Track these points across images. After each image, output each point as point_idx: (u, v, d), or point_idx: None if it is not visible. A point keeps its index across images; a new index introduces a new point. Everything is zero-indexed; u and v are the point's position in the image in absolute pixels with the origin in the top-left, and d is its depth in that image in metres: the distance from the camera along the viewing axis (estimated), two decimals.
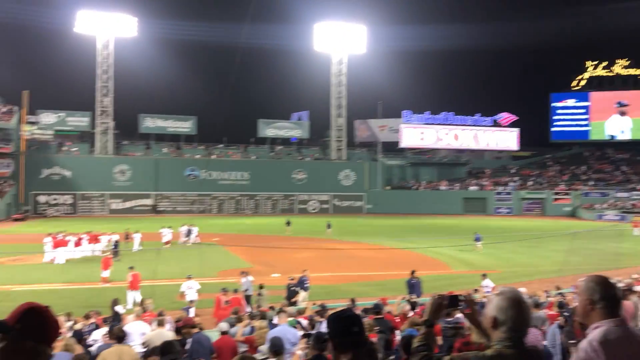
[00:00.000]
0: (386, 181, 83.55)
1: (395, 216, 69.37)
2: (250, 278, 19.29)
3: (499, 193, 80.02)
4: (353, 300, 15.22)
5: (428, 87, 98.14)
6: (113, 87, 74.46)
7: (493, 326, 2.87)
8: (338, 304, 16.68)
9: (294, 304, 15.92)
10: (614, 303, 2.89)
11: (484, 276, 20.56)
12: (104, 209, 70.13)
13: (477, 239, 36.61)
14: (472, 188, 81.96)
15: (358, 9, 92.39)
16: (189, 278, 19.14)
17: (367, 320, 9.79)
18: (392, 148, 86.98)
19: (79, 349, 9.18)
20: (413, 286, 18.75)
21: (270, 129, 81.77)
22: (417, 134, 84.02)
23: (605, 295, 2.89)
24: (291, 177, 77.85)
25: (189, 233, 39.00)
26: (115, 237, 33.09)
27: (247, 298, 18.31)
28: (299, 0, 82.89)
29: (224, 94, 77.84)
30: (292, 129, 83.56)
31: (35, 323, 2.43)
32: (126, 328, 9.37)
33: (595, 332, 2.82)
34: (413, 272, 19.26)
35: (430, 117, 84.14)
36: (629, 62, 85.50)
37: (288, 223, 48.96)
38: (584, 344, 2.82)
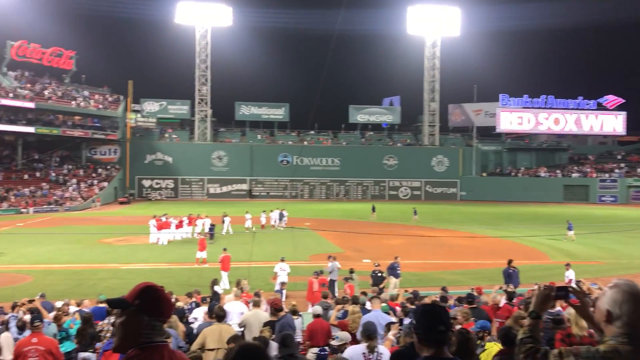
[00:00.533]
0: (481, 167, 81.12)
1: (490, 204, 67.36)
2: (337, 264, 19.41)
3: (603, 180, 75.39)
4: (445, 289, 14.98)
5: (526, 69, 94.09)
6: (210, 76, 77.23)
7: (607, 320, 2.71)
8: (430, 292, 16.53)
9: (381, 290, 15.85)
10: None
11: (568, 266, 19.55)
12: (202, 193, 73.32)
13: (570, 228, 34.78)
14: (573, 175, 77.80)
15: None
16: (282, 260, 19.59)
17: (461, 309, 9.62)
18: (487, 133, 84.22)
19: (181, 327, 9.69)
20: (510, 276, 18.13)
21: (361, 115, 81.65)
22: (514, 118, 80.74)
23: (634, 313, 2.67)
24: (382, 163, 77.49)
25: (281, 217, 39.91)
26: (209, 221, 34.36)
27: (332, 283, 18.47)
28: None
29: (316, 81, 78.59)
30: (383, 114, 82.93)
31: (152, 300, 2.65)
32: (225, 307, 9.76)
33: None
34: (510, 262, 18.61)
35: (529, 100, 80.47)
36: None
37: (373, 209, 49.11)
38: None
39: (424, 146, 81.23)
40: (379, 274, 18.18)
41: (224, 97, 78.05)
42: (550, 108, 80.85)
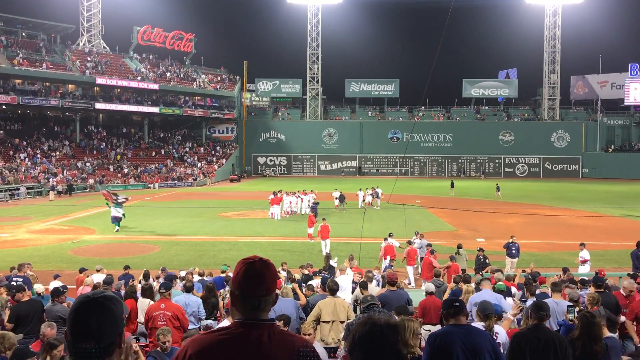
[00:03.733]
0: (606, 143, 75.56)
1: (616, 181, 62.73)
2: (425, 241, 19.08)
3: None
4: (565, 270, 14.25)
5: None
6: (321, 54, 77.94)
7: None
8: (549, 273, 15.79)
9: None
10: None
11: (582, 246, 17.84)
12: (314, 170, 74.77)
13: None
14: None
15: None
16: (390, 236, 19.56)
17: (590, 293, 9.09)
18: (614, 106, 78.06)
19: (302, 298, 10.01)
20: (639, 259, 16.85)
21: (475, 89, 78.79)
22: None
23: None
24: (497, 139, 74.58)
25: (376, 195, 39.39)
26: (313, 197, 35.01)
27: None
28: None
29: (427, 55, 76.69)
30: (499, 87, 79.42)
31: (245, 276, 2.54)
32: (338, 280, 9.95)
33: None
34: (639, 244, 17.27)
35: None
36: None
37: (497, 188, 47.16)
38: None
39: (543, 121, 77.00)
40: (482, 259, 17.56)
41: (334, 75, 78.70)
42: None
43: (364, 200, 38.65)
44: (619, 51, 77.46)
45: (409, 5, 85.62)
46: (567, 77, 79.44)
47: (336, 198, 37.41)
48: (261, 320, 2.52)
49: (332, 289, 9.04)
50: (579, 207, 38.21)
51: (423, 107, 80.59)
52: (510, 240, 19.02)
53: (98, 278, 12.85)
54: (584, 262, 17.78)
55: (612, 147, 75.70)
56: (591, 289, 9.35)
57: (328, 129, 76.17)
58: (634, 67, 73.58)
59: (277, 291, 9.25)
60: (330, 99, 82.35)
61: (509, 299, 9.32)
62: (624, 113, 78.77)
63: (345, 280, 11.41)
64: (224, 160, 69.50)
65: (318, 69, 77.89)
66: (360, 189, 40.25)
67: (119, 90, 65.62)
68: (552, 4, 75.19)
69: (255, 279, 2.54)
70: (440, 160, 74.84)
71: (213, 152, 71.12)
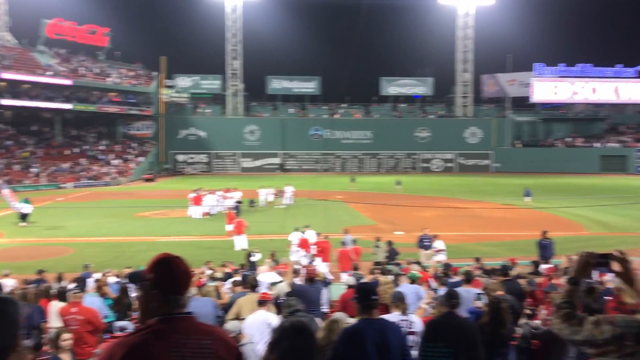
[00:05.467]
0: (515, 138, 79.72)
1: (525, 175, 66.30)
2: (350, 237, 19.60)
3: None
4: (478, 260, 14.97)
5: (562, 37, 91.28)
6: (242, 50, 77.24)
7: None
8: (463, 264, 16.51)
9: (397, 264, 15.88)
10: None
11: (435, 237, 19.48)
12: (236, 167, 74.09)
13: (527, 194, 36.30)
14: (611, 145, 75.84)
15: None
16: (306, 228, 20.00)
17: (493, 282, 9.63)
18: (522, 103, 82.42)
19: (225, 296, 9.96)
20: (544, 247, 17.98)
21: (392, 87, 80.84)
22: (550, 87, 78.84)
23: None
24: (414, 136, 76.87)
25: (284, 193, 38.07)
26: (239, 194, 34.66)
27: None
28: None
29: (347, 53, 77.89)
30: (415, 86, 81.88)
31: (163, 274, 2.57)
32: (259, 278, 9.99)
33: None
34: (545, 233, 18.42)
35: (565, 69, 78.41)
36: None
37: (398, 183, 48.81)
38: None
39: (457, 117, 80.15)
40: (392, 248, 18.28)
41: (255, 71, 78.15)
42: (587, 77, 78.65)
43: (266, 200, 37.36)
44: (526, 51, 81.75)
45: (331, 4, 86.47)
46: (480, 75, 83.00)
47: (273, 194, 37.50)
48: (180, 313, 2.56)
49: (253, 285, 9.07)
50: (491, 200, 40.14)
51: (344, 105, 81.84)
52: (423, 233, 19.75)
53: (7, 283, 12.20)
54: (438, 252, 18.64)
55: (521, 142, 79.86)
56: (497, 278, 9.91)
57: (250, 125, 75.72)
58: (538, 67, 78.03)
59: (196, 289, 9.16)
60: (251, 95, 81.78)
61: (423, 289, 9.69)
62: (531, 110, 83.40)
63: (266, 276, 11.45)
64: (142, 158, 67.48)
65: (239, 65, 77.19)
66: (262, 187, 38.56)
67: (28, 85, 62.11)
68: (465, 6, 78.25)
69: (175, 275, 2.56)
70: (360, 157, 76.20)
71: (130, 150, 68.87)
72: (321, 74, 79.87)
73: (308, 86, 79.75)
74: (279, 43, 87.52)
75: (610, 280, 8.97)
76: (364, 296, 4.91)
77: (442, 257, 18.12)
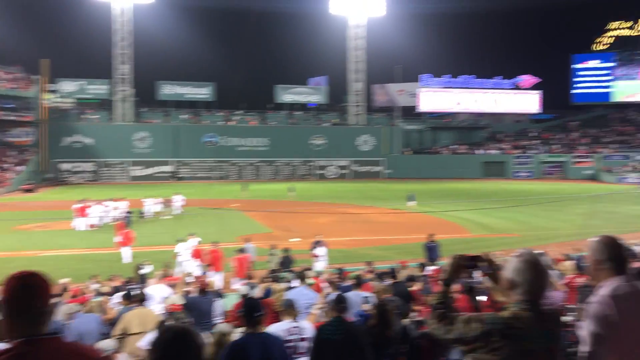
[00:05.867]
0: (405, 146, 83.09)
1: (414, 180, 69.17)
2: (251, 245, 19.53)
3: (518, 157, 79.23)
4: (369, 263, 15.37)
5: (447, 50, 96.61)
6: (132, 54, 74.48)
7: (510, 288, 2.90)
8: (356, 268, 16.89)
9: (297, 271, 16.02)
10: (620, 262, 2.92)
11: (317, 243, 19.69)
12: (125, 176, 71.06)
13: (410, 199, 38.52)
14: (491, 152, 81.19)
15: None
16: (190, 237, 19.60)
17: (381, 285, 9.91)
18: (410, 112, 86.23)
19: (111, 312, 9.46)
20: (431, 249, 18.83)
21: (287, 95, 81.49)
22: (436, 97, 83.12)
23: (612, 255, 2.92)
24: (309, 143, 77.82)
25: (173, 202, 36.82)
26: (125, 204, 33.13)
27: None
28: None
29: (242, 60, 77.53)
30: (310, 94, 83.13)
31: (18, 293, 2.42)
32: (147, 291, 9.61)
33: (606, 287, 2.87)
34: (431, 236, 19.31)
35: (450, 80, 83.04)
36: None
37: (290, 189, 49.23)
38: (594, 298, 2.87)
39: (350, 126, 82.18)
40: (286, 256, 18.35)
41: (146, 77, 75.62)
42: (470, 88, 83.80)
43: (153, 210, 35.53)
44: (414, 62, 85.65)
45: (224, 9, 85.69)
46: (372, 85, 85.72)
47: (160, 204, 36.15)
48: (45, 334, 2.40)
49: (140, 299, 8.71)
50: (382, 205, 41.49)
51: (239, 111, 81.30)
52: (316, 239, 20.02)
53: None
54: (317, 257, 18.83)
55: (410, 149, 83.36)
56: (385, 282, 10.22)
57: (140, 132, 72.94)
58: (425, 77, 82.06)
59: (80, 305, 8.64)
60: (142, 101, 78.90)
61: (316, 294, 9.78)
62: (419, 119, 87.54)
63: (155, 289, 11.04)
64: (21, 167, 62.91)
65: (128, 69, 74.33)
66: (148, 197, 36.75)
67: None
68: (356, 17, 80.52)
69: (27, 292, 2.39)
70: (257, 164, 75.94)
71: (7, 159, 63.95)
72: (215, 80, 78.96)
73: (202, 92, 78.42)
74: (171, 48, 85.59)
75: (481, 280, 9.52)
76: (249, 312, 5.19)
77: (322, 264, 18.33)
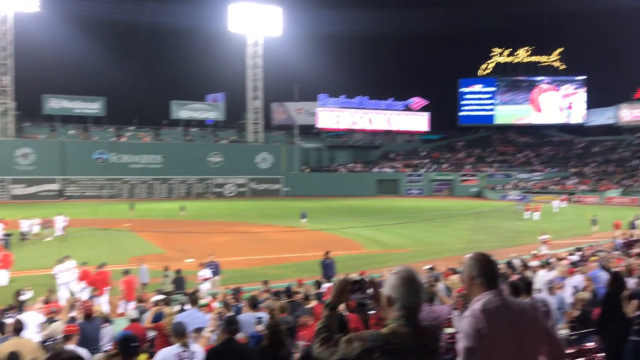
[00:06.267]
0: (303, 164, 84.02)
1: (312, 198, 69.97)
2: (145, 267, 18.89)
3: (410, 175, 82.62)
4: (266, 282, 15.29)
5: (344, 71, 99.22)
6: (13, 65, 69.79)
7: (388, 304, 2.96)
8: (253, 287, 16.73)
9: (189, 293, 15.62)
10: (491, 277, 3.08)
11: (202, 265, 19.42)
12: (5, 195, 66.01)
13: (303, 216, 39.16)
14: (385, 170, 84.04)
15: None
16: (66, 259, 18.53)
17: (279, 303, 9.87)
18: (308, 131, 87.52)
19: None
20: (327, 267, 19.08)
21: (184, 111, 79.83)
22: (333, 117, 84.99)
23: (484, 271, 3.08)
24: (206, 160, 76.49)
25: (55, 223, 34.47)
26: (1, 225, 30.69)
27: (144, 287, 17.91)
28: None
29: (136, 74, 75.08)
30: (207, 110, 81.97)
31: None
32: (22, 319, 8.92)
33: (477, 302, 3.01)
34: (327, 253, 19.57)
35: (346, 100, 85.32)
36: (531, 49, 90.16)
37: (182, 208, 48.18)
38: (467, 313, 3.00)
39: (249, 143, 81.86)
40: (178, 277, 17.90)
41: (30, 89, 71.05)
42: (365, 108, 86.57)
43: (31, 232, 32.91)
44: (312, 82, 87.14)
45: (116, 22, 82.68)
46: (270, 103, 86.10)
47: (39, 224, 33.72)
48: None
49: (16, 328, 8.07)
50: (280, 223, 41.53)
51: (132, 127, 78.45)
52: (209, 260, 19.68)
53: None
54: (205, 280, 18.39)
55: (308, 167, 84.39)
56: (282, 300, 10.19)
57: (22, 148, 68.16)
58: (322, 97, 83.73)
59: None
60: (25, 115, 73.93)
61: (209, 316, 9.55)
62: (317, 137, 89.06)
63: (31, 316, 10.28)
64: None
65: (10, 81, 69.51)
66: (25, 217, 33.90)
67: None
68: (254, 35, 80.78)
69: None
70: (150, 182, 73.41)
71: None
72: (106, 94, 75.71)
73: (91, 107, 74.88)
74: (58, 60, 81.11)
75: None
76: (125, 346, 5.25)
77: (207, 286, 18.00)
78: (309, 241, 32.22)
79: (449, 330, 7.60)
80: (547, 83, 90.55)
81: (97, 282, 16.85)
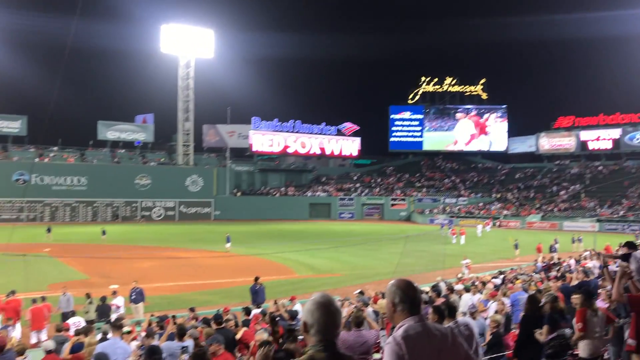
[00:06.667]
0: (235, 187, 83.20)
1: (243, 222, 69.29)
2: (69, 294, 18.03)
3: (342, 199, 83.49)
4: (192, 309, 14.91)
5: (277, 95, 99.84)
6: None
7: (305, 331, 2.94)
8: (180, 314, 16.27)
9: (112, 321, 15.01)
10: (413, 304, 3.14)
11: (115, 294, 18.85)
12: None
13: (227, 240, 39.01)
14: (318, 194, 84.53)
15: (206, 12, 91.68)
16: None
17: (206, 330, 9.66)
18: (240, 154, 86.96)
19: None
20: (257, 292, 18.85)
21: (111, 132, 77.51)
22: (266, 140, 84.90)
23: (405, 298, 3.13)
24: (134, 183, 74.31)
25: None
26: None
27: (65, 316, 16.99)
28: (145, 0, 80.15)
29: (61, 93, 72.23)
30: (135, 132, 79.89)
31: None
32: None
33: (399, 329, 3.06)
34: (257, 279, 19.34)
35: (279, 124, 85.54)
36: (456, 79, 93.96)
37: (103, 232, 46.61)
38: (389, 340, 3.04)
39: (179, 166, 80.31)
40: (104, 304, 17.20)
41: None
42: (298, 132, 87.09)
43: None
44: (244, 105, 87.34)
45: (40, 38, 79.66)
46: (201, 125, 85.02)
47: None
48: None
49: None
50: (211, 248, 40.78)
51: (55, 148, 75.30)
52: (133, 286, 19.10)
53: None
54: (118, 308, 17.91)
55: (240, 191, 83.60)
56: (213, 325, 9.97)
57: None
58: (255, 120, 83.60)
59: None
60: None
61: (132, 345, 9.20)
62: (250, 161, 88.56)
63: None
64: None
65: None
66: None
67: None
68: (186, 57, 79.95)
69: None
70: (74, 205, 70.44)
71: None
72: (28, 113, 72.46)
73: (12, 125, 71.37)
74: None
75: None
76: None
77: (121, 312, 17.40)
78: (239, 266, 31.80)
79: (377, 356, 7.65)
80: (472, 112, 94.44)
81: (7, 311, 15.85)
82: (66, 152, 75.65)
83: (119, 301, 17.84)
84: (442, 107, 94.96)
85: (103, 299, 17.43)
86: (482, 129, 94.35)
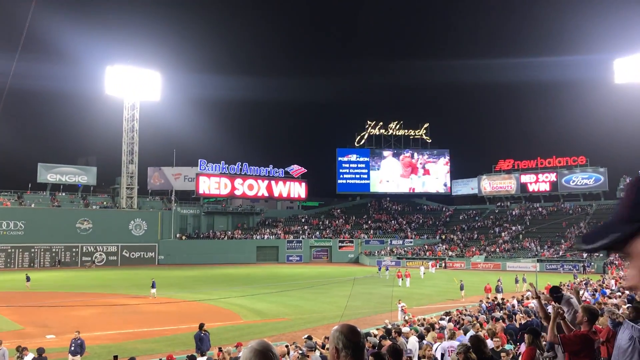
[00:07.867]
0: (180, 230, 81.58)
1: (189, 267, 67.84)
2: (4, 349, 17.07)
3: (290, 241, 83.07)
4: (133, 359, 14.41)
5: (224, 137, 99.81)
6: None
7: None
8: None
9: None
10: (356, 349, 3.19)
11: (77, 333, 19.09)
12: None
13: (153, 286, 38.24)
14: (265, 237, 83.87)
15: (152, 54, 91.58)
16: None
17: None
18: (186, 197, 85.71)
19: None
20: (202, 340, 18.39)
21: (51, 174, 75.13)
22: (212, 183, 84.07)
23: (349, 344, 3.18)
24: (75, 227, 71.80)
25: None
26: None
27: None
28: (91, 41, 79.46)
29: None
30: (77, 174, 77.66)
31: None
32: None
33: None
34: (202, 326, 18.89)
35: (226, 166, 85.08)
36: (400, 123, 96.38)
37: (28, 278, 44.61)
38: None
39: (122, 209, 78.29)
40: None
41: None
42: (245, 175, 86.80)
43: None
44: (191, 147, 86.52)
45: None
46: (145, 168, 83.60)
47: None
48: None
49: None
50: (155, 294, 39.55)
51: None
52: (75, 336, 18.35)
53: None
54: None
55: (186, 234, 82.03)
56: None
57: None
58: (202, 163, 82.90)
59: None
60: None
61: None
62: (195, 203, 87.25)
63: None
64: None
65: None
66: None
67: None
68: (131, 99, 79.08)
69: None
70: (9, 250, 67.28)
71: None
72: None
73: None
74: None
75: None
76: None
77: None
78: (184, 312, 31.03)
79: None
80: (416, 155, 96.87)
81: None
82: (2, 196, 72.65)
83: (28, 358, 16.64)
84: (387, 150, 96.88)
85: (40, 351, 16.52)
86: (426, 172, 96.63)
